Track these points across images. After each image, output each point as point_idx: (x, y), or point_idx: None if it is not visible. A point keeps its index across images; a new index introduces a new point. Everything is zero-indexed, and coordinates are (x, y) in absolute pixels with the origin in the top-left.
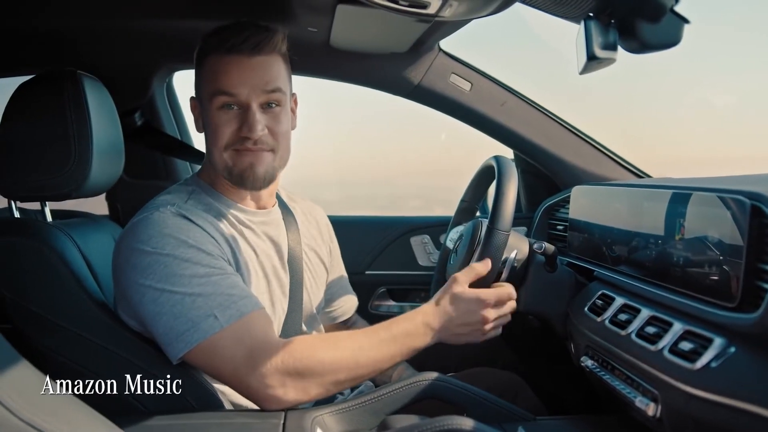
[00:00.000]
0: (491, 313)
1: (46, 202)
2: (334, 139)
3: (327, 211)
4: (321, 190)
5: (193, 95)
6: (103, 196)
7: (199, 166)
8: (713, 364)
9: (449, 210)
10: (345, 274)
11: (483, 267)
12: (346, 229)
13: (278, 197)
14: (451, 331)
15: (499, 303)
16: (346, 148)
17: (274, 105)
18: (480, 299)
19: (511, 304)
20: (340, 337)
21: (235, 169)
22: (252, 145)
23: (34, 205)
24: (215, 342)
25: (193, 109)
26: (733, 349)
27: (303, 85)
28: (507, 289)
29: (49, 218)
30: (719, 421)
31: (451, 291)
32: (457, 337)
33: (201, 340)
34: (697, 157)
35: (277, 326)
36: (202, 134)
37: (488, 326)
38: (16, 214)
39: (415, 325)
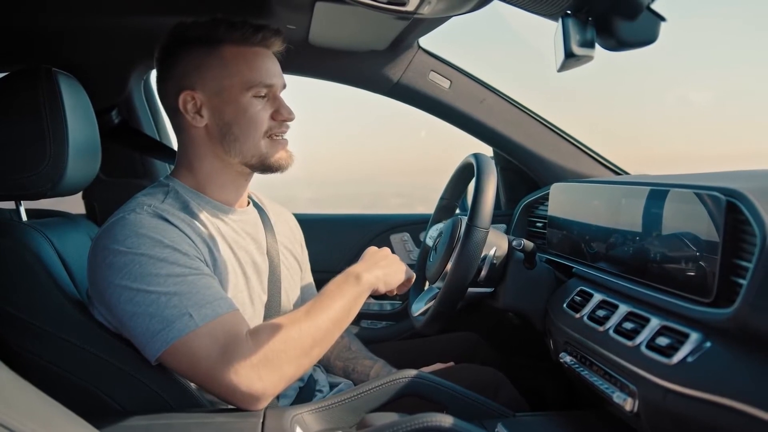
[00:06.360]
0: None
1: (21, 201)
2: (319, 139)
3: (310, 210)
4: (302, 189)
5: (187, 88)
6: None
7: None
8: (689, 359)
9: (431, 208)
10: (312, 281)
11: None
12: (327, 226)
13: (250, 197)
14: (374, 272)
15: None
16: (329, 147)
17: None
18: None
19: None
20: (291, 313)
21: (270, 158)
22: (287, 129)
23: (9, 204)
24: (190, 341)
25: (185, 102)
26: (708, 344)
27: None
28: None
29: (24, 217)
30: (695, 416)
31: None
32: (385, 276)
33: (176, 339)
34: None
35: (258, 321)
36: (192, 131)
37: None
38: None
39: (344, 278)
